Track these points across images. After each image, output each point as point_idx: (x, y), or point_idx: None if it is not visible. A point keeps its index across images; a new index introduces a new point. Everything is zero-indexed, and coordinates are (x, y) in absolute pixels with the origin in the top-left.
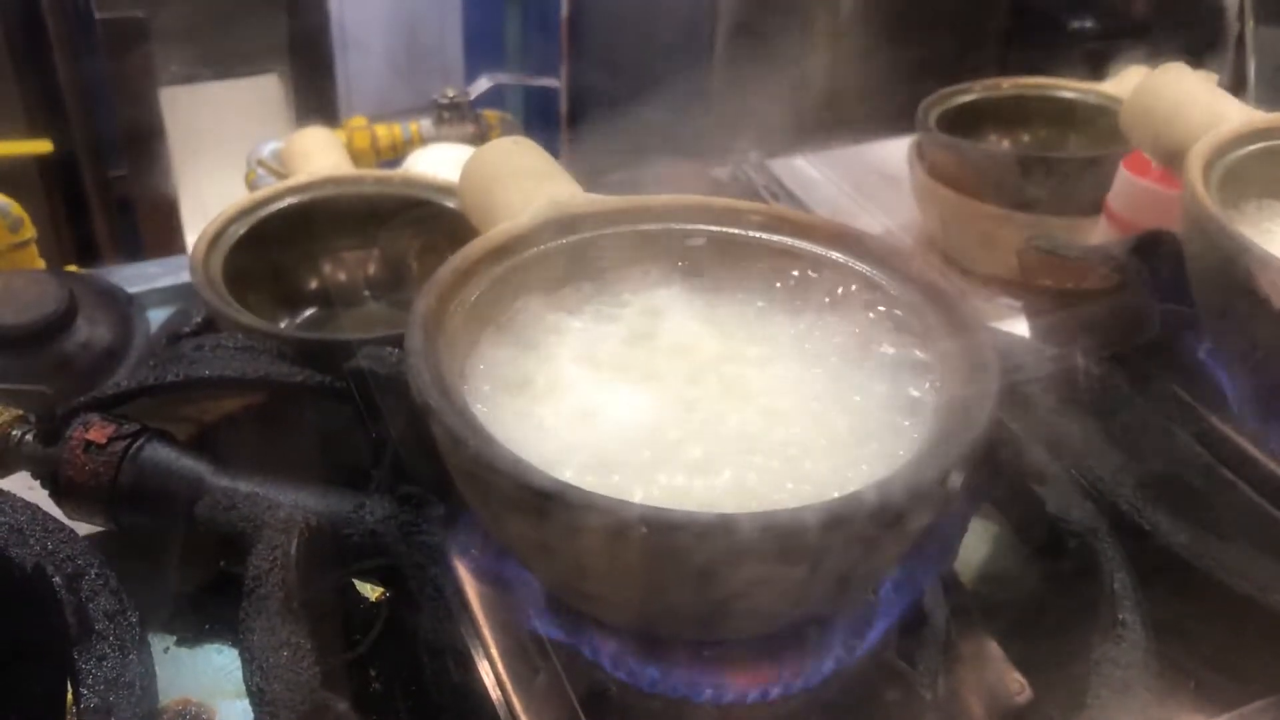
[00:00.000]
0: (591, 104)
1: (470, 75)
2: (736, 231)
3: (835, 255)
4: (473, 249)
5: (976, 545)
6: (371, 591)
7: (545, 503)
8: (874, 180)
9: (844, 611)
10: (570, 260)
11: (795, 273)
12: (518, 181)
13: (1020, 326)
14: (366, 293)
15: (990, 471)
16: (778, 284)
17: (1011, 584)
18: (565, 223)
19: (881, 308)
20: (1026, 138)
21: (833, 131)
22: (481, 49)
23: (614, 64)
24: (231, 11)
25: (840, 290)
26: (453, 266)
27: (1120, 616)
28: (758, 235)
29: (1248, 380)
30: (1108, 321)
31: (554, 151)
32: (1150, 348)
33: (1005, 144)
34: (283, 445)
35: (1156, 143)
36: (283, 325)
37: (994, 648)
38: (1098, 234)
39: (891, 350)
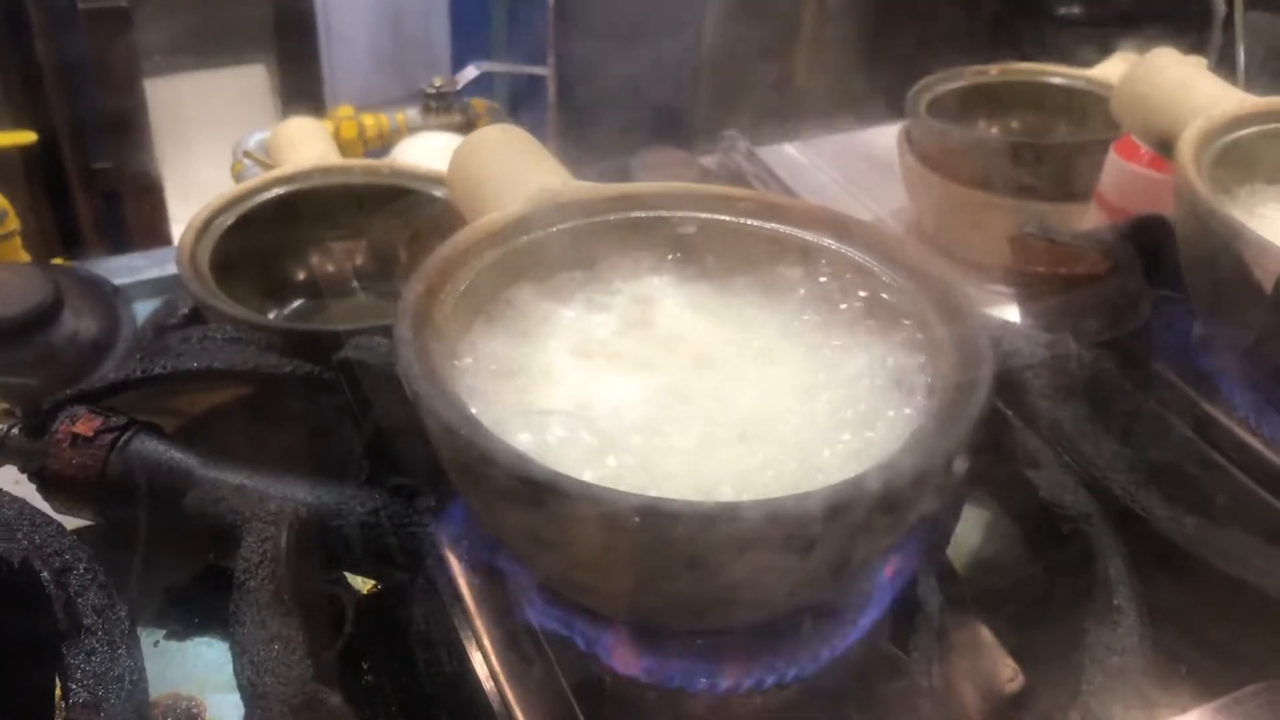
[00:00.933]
0: (580, 92)
1: (457, 64)
2: (728, 219)
3: (827, 242)
4: (462, 238)
5: (969, 531)
6: (363, 584)
7: (540, 493)
8: (863, 167)
9: (838, 599)
10: (561, 249)
11: (787, 259)
12: (507, 169)
13: (1011, 313)
14: (355, 283)
15: (983, 457)
16: (770, 271)
17: (1005, 570)
18: (555, 211)
19: (875, 294)
20: (1016, 124)
21: (822, 119)
22: (468, 37)
23: (602, 51)
24: (215, 1)
25: (833, 277)
26: (442, 256)
27: (1115, 602)
28: (749, 222)
29: (1240, 365)
30: (1099, 307)
31: (542, 140)
32: (1142, 333)
33: (995, 130)
34: (272, 437)
35: (1148, 128)
36: (271, 317)
37: (987, 634)
38: (1089, 220)
39: (885, 337)
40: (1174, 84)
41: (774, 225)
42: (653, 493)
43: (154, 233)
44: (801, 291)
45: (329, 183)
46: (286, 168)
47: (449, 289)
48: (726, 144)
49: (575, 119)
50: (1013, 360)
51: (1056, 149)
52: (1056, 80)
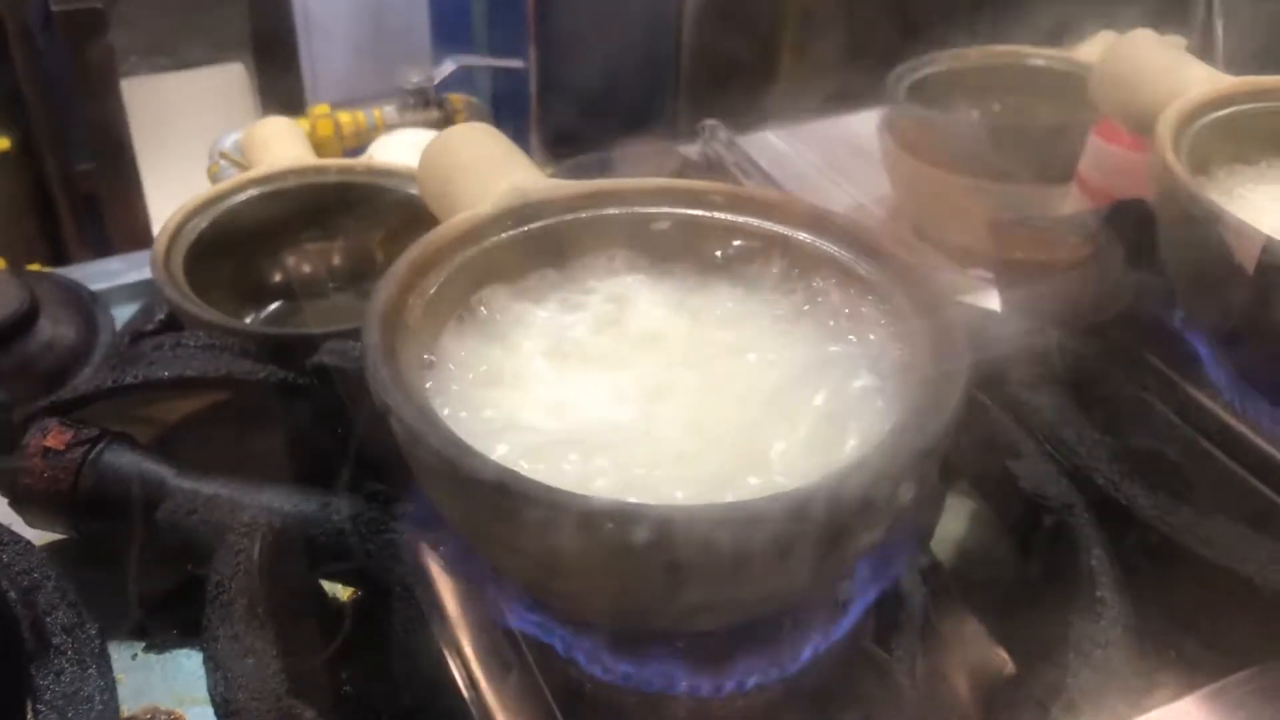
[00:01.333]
0: (561, 84)
1: (438, 58)
2: (701, 213)
3: (802, 235)
4: (432, 239)
5: (955, 522)
6: (343, 591)
7: (511, 502)
8: (845, 153)
9: (818, 598)
10: (534, 248)
11: (762, 254)
12: (477, 168)
13: (994, 299)
14: (331, 284)
15: (965, 449)
16: (745, 265)
17: (992, 561)
18: (527, 210)
19: (851, 287)
20: (997, 107)
21: (806, 105)
22: (449, 31)
23: (582, 42)
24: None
25: (808, 270)
26: (411, 258)
27: (1098, 594)
28: (722, 216)
29: (1222, 349)
30: (1081, 293)
31: (524, 133)
32: (1124, 319)
33: (976, 114)
34: (248, 444)
35: (1126, 110)
36: (247, 320)
37: (976, 626)
38: (1071, 202)
39: (862, 330)
40: (1152, 66)
41: (747, 219)
42: (628, 497)
43: (135, 234)
44: (778, 286)
45: (303, 183)
46: (261, 169)
47: (419, 292)
48: (707, 133)
49: (557, 111)
50: (993, 349)
51: (1037, 131)
52: (1037, 62)
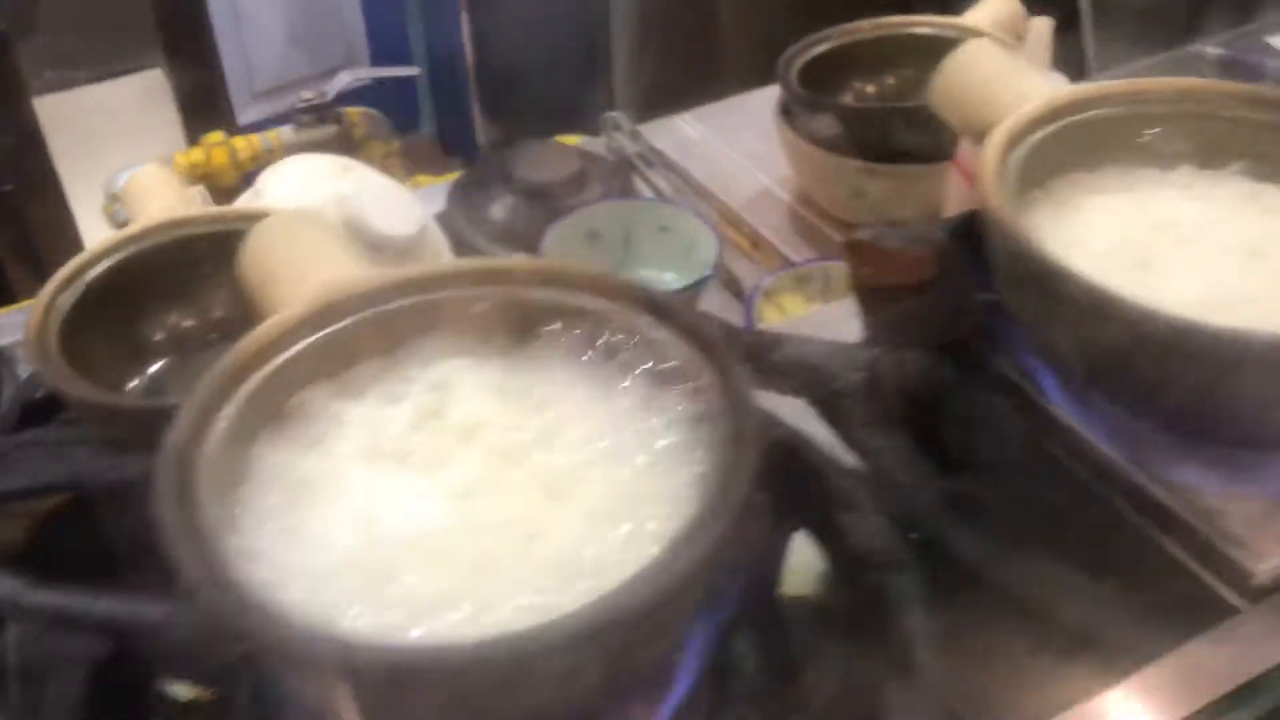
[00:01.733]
0: (498, 80)
1: (374, 43)
2: (511, 292)
3: (614, 308)
4: (236, 355)
5: (809, 570)
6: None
7: (286, 655)
8: (752, 135)
9: (641, 686)
10: (348, 345)
11: (574, 330)
12: (291, 266)
13: None
14: (215, 335)
15: (805, 502)
16: (559, 343)
17: (833, 619)
18: (339, 307)
19: (659, 360)
20: (892, 81)
21: (732, 86)
22: (383, 13)
23: (515, 33)
24: (97, 8)
25: (620, 345)
26: (213, 377)
27: (915, 658)
28: (535, 294)
29: (1057, 368)
30: (932, 312)
31: (462, 133)
32: (975, 337)
33: (871, 90)
34: (111, 540)
35: (968, 124)
36: (133, 384)
37: (837, 662)
38: (951, 184)
39: (674, 407)
40: (988, 79)
41: (555, 294)
42: (424, 625)
43: (68, 257)
44: (592, 362)
45: (174, 237)
46: (139, 223)
47: (224, 413)
48: (610, 125)
49: (497, 104)
50: (834, 385)
51: (921, 111)
52: (925, 30)
